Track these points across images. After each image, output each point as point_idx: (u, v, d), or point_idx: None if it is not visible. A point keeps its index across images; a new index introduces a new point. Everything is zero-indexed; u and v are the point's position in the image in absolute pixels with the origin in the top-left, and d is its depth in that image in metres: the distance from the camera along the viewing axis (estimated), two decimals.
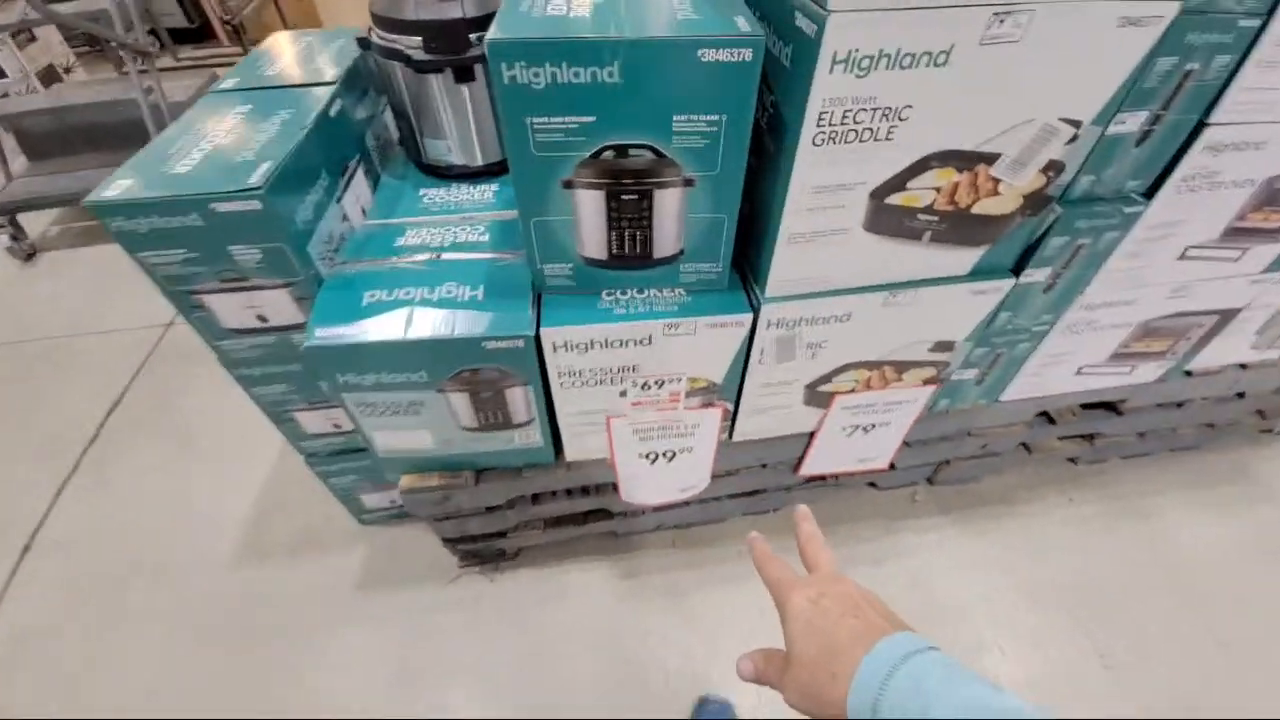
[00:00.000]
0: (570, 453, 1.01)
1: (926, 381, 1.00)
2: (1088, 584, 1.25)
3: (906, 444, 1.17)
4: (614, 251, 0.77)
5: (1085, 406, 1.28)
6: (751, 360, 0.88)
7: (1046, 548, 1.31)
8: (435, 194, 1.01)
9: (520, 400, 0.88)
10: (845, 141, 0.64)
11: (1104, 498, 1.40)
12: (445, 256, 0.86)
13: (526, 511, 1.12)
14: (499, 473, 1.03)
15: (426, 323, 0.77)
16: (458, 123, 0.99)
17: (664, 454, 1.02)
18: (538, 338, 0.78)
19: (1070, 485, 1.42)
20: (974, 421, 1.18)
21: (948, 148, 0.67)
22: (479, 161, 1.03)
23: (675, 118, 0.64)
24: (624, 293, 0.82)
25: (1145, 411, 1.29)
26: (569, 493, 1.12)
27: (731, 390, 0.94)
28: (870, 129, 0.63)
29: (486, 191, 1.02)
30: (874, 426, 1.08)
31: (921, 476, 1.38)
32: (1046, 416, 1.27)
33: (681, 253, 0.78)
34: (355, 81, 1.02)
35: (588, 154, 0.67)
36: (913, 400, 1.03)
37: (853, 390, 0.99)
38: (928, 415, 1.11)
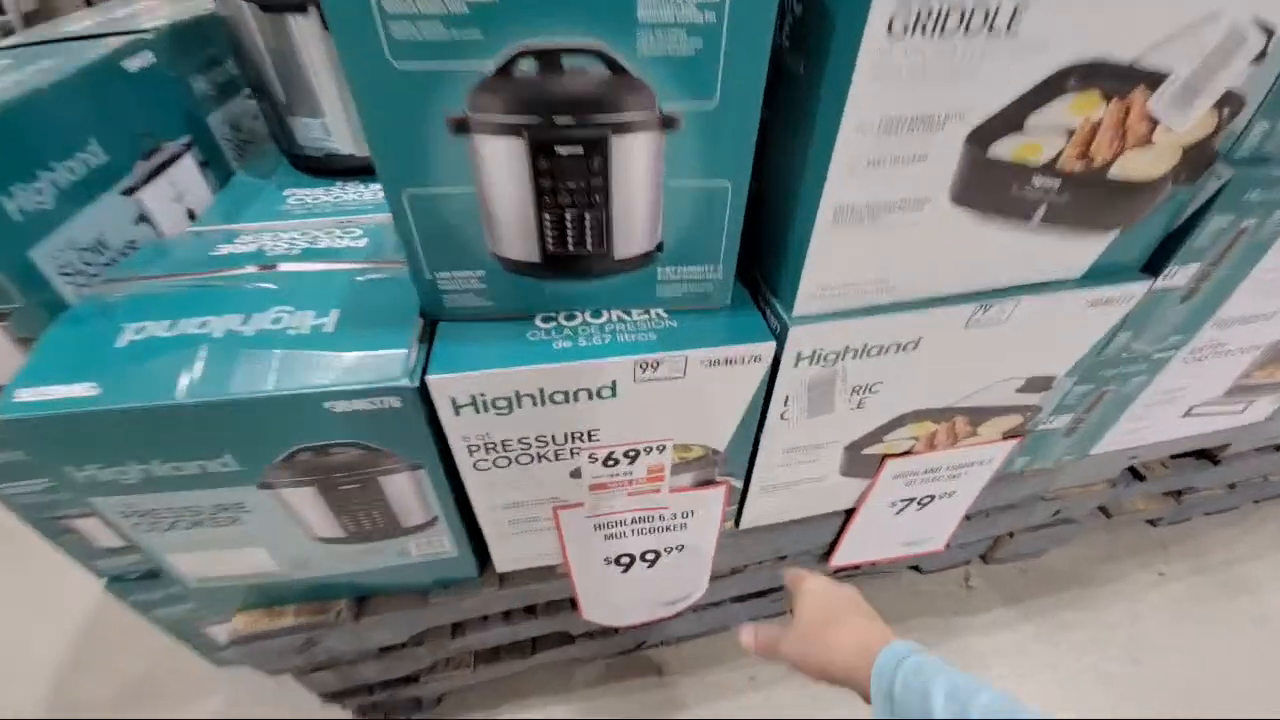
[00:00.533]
0: (502, 562, 0.68)
1: (1007, 435, 0.71)
2: (1203, 691, 0.95)
3: (966, 517, 0.87)
4: (550, 248, 0.47)
5: (1175, 456, 1.01)
6: (770, 414, 0.58)
7: (1144, 643, 1.00)
8: (306, 195, 0.70)
9: (409, 492, 0.55)
10: (937, 33, 0.37)
11: (1196, 569, 1.12)
12: (286, 268, 0.54)
13: (445, 647, 0.77)
14: (394, 598, 0.68)
15: (225, 372, 0.44)
16: (335, 90, 0.69)
17: (643, 556, 0.69)
18: (424, 389, 0.46)
19: (1153, 554, 1.14)
20: (1051, 483, 0.89)
21: (1096, 55, 0.40)
22: None
23: None
24: (570, 316, 0.52)
25: (1244, 458, 1.02)
26: (507, 616, 0.78)
27: (740, 460, 0.63)
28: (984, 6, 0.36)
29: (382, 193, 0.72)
30: (932, 499, 0.78)
31: (974, 554, 1.07)
32: (1133, 471, 0.99)
33: (659, 249, 0.49)
34: (192, 41, 0.72)
35: (491, 66, 0.38)
36: (986, 461, 0.74)
37: (909, 451, 0.69)
38: (997, 478, 0.81)
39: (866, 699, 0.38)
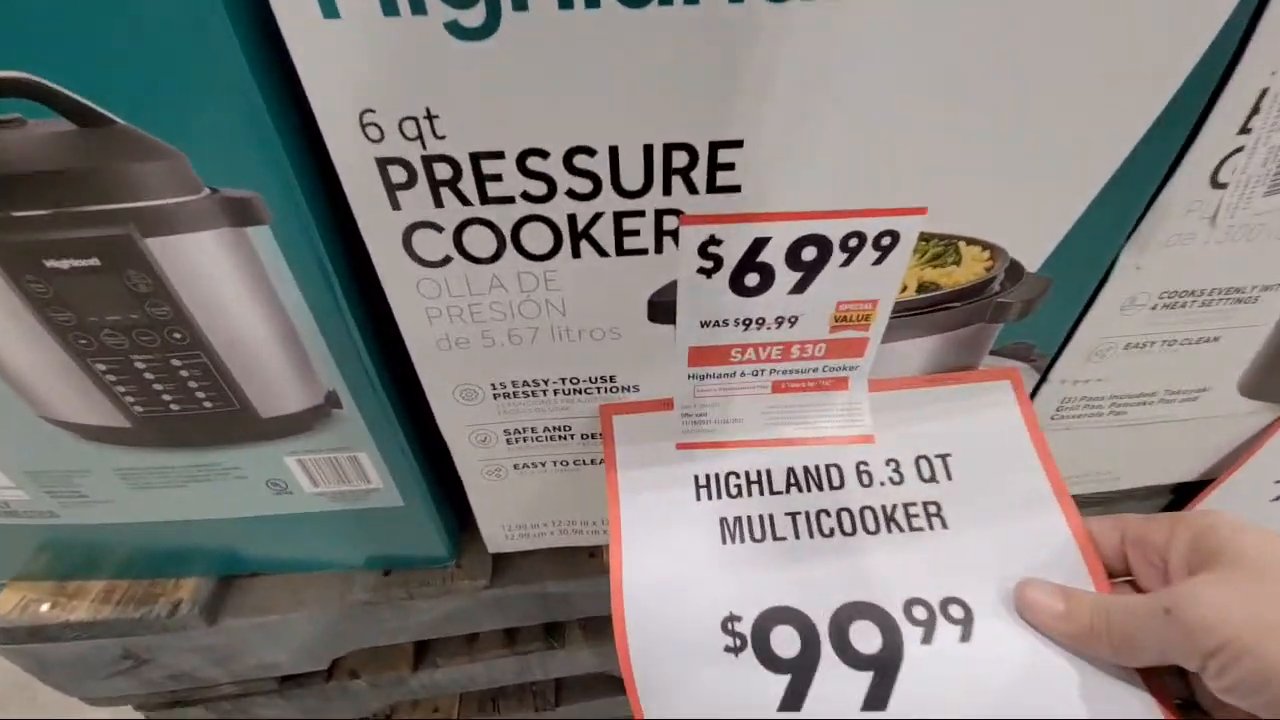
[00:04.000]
0: (492, 531, 0.34)
1: None
2: None
3: None
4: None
5: None
6: None
7: None
8: None
9: (239, 296, 0.22)
10: None
11: None
12: None
13: (403, 684, 0.44)
14: (290, 585, 0.36)
15: None
16: None
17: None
18: None
19: None
20: None
21: None
22: None
23: None
24: None
25: None
26: (510, 639, 0.43)
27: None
28: None
29: None
30: None
31: None
32: None
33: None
34: None
35: None
36: None
37: None
38: None
39: None
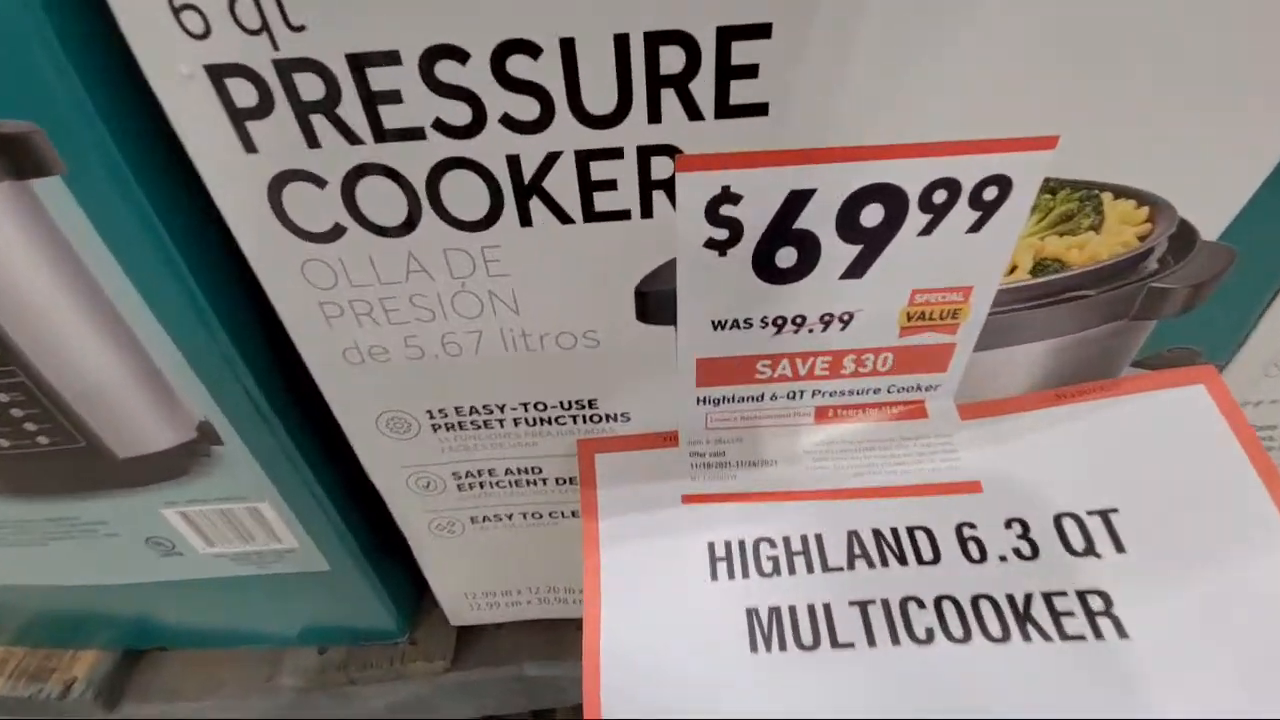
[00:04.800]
0: (451, 598, 0.27)
1: None
2: None
3: None
4: None
5: None
6: None
7: None
8: None
9: (47, 284, 0.16)
10: None
11: None
12: None
13: None
14: (211, 663, 0.29)
15: None
16: None
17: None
18: None
19: None
20: None
21: None
22: None
23: None
24: None
25: None
26: None
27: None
28: None
29: None
30: None
31: None
32: None
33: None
34: None
35: None
36: None
37: None
38: None
39: None
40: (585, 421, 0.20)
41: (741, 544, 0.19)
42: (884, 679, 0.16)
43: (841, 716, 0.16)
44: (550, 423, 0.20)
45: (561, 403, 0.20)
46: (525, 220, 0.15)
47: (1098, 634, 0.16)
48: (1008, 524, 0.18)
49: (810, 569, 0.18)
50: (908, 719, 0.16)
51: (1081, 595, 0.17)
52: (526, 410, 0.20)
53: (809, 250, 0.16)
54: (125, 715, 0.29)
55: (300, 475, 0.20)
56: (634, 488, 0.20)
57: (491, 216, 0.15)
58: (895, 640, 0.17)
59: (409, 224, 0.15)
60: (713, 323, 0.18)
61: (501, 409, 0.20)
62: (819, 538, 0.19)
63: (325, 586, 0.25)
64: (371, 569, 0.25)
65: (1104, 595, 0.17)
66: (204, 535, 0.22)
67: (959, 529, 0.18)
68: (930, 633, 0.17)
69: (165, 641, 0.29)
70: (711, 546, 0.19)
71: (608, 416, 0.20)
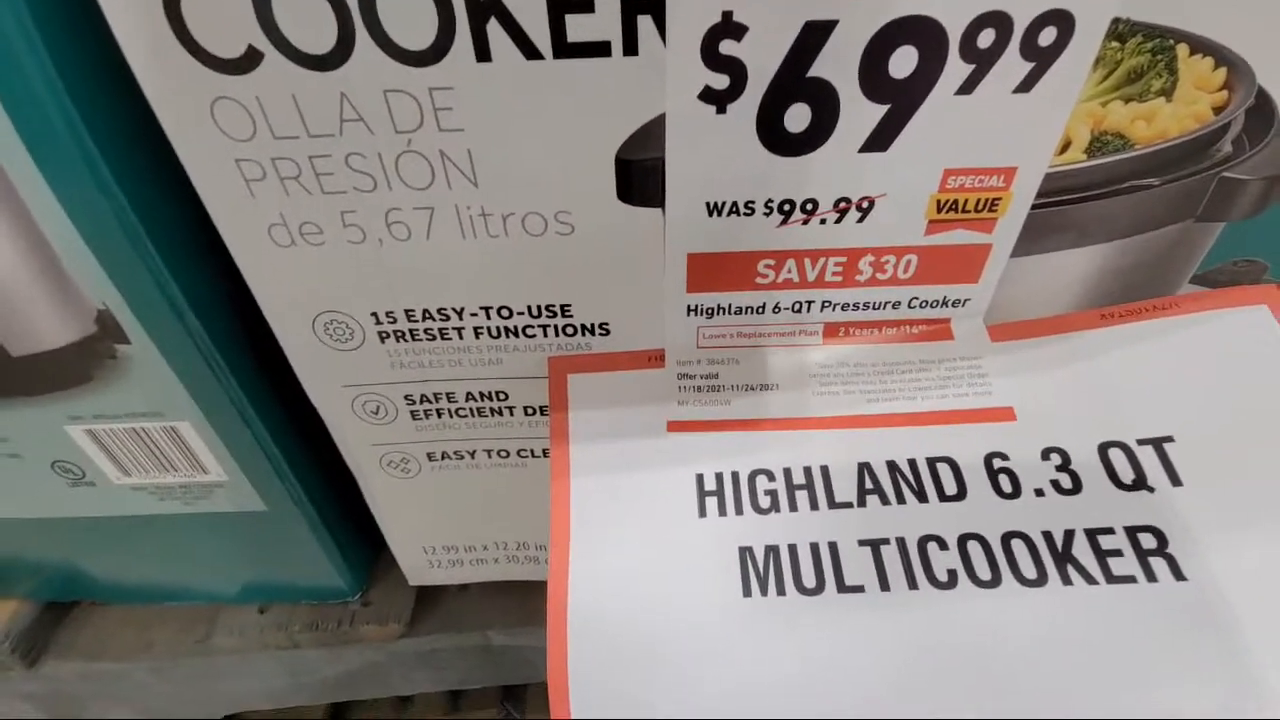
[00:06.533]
0: (408, 554, 0.24)
1: None
2: None
3: None
4: None
5: None
6: None
7: None
8: None
9: None
10: None
11: None
12: None
13: None
14: (138, 619, 0.26)
15: None
16: None
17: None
18: None
19: None
20: None
21: None
22: None
23: None
24: None
25: None
26: (455, 703, 0.33)
27: None
28: None
29: None
30: None
31: None
32: None
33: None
34: None
35: None
36: None
37: None
38: None
39: None
40: (558, 334, 0.17)
41: (735, 476, 0.16)
42: (898, 626, 0.14)
43: (849, 667, 0.13)
44: (517, 334, 0.17)
45: (530, 308, 0.17)
46: (482, 53, 0.13)
47: (1150, 576, 0.14)
48: (1045, 454, 0.15)
49: (814, 505, 0.16)
50: (924, 672, 0.13)
51: (1131, 532, 0.14)
52: (489, 316, 0.17)
53: (825, 108, 0.13)
54: (47, 673, 0.26)
55: (225, 389, 0.18)
56: (612, 412, 0.17)
57: (441, 45, 0.12)
58: (912, 584, 0.14)
59: (340, 51, 0.12)
60: (708, 205, 0.15)
61: (460, 313, 0.17)
62: (825, 470, 0.16)
63: (264, 532, 0.22)
64: (316, 513, 0.22)
65: (1157, 533, 0.14)
66: (116, 461, 0.19)
67: (988, 460, 0.15)
68: (953, 575, 0.14)
69: (89, 594, 0.26)
70: (700, 479, 0.16)
71: (583, 328, 0.17)
